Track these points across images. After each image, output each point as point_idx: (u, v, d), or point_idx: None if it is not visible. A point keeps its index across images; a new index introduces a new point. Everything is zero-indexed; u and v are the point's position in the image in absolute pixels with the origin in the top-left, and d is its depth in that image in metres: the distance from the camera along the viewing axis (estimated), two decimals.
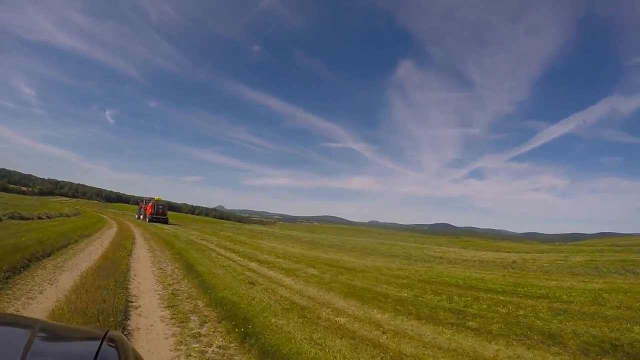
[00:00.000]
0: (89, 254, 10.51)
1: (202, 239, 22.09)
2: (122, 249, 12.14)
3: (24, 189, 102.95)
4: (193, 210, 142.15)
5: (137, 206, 44.59)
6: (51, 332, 1.08)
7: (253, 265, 13.10)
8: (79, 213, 33.80)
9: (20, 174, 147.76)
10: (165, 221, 37.31)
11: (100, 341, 0.93)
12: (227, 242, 21.65)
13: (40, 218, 20.29)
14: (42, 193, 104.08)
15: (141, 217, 39.46)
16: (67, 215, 26.49)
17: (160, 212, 37.23)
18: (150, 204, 37.50)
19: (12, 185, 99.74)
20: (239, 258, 14.74)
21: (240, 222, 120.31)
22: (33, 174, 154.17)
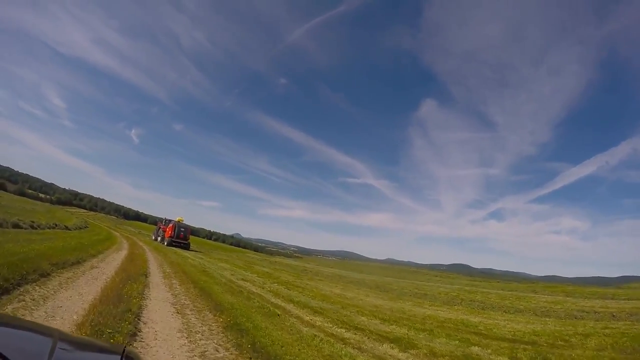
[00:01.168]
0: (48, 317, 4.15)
1: (241, 278, 15.63)
2: (124, 301, 5.80)
3: (42, 195, 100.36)
4: (210, 235, 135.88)
5: (155, 226, 38.65)
6: (71, 343, 1.07)
7: (368, 344, 6.55)
8: (87, 227, 28.13)
9: (42, 181, 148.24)
10: (186, 247, 31.10)
11: (120, 357, 0.93)
12: (278, 286, 15.12)
13: (17, 227, 14.30)
14: (59, 202, 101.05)
15: (159, 239, 33.45)
16: (67, 229, 20.70)
17: (182, 236, 31.15)
18: (170, 225, 31.59)
19: (30, 191, 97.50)
20: (329, 325, 8.18)
21: (257, 251, 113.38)
22: (55, 183, 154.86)
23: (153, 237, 36.22)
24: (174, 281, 10.70)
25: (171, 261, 16.93)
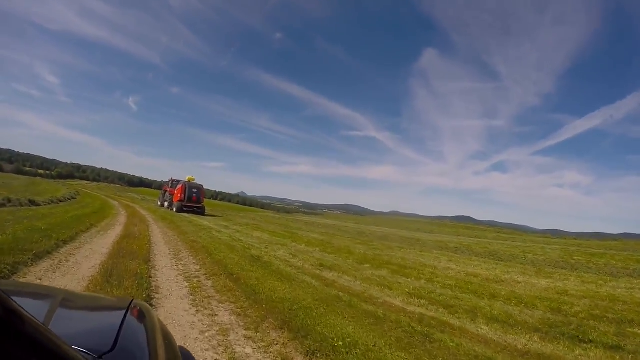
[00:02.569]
0: None
1: (318, 263, 9.76)
2: None
3: (40, 171, 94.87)
4: (216, 195, 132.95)
5: (161, 191, 32.52)
6: (75, 302, 1.07)
7: None
8: (74, 198, 22.01)
9: (43, 158, 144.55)
10: (201, 211, 25.31)
11: (125, 311, 0.91)
12: (390, 275, 9.17)
13: None
14: (60, 177, 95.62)
15: (165, 204, 27.58)
16: (44, 203, 14.32)
17: (195, 199, 25.17)
18: (179, 186, 25.41)
19: (28, 169, 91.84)
20: None
21: (264, 208, 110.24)
22: (57, 159, 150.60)
23: (159, 203, 30.40)
24: (220, 307, 4.67)
25: (191, 240, 10.94)
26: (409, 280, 8.52)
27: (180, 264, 7.31)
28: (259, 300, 5.05)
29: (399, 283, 7.99)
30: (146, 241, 9.40)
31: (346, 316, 4.81)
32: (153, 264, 6.86)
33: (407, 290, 7.24)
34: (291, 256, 10.43)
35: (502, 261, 15.14)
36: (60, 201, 17.10)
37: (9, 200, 13.20)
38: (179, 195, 24.87)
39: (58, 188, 30.26)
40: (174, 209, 24.67)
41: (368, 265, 10.20)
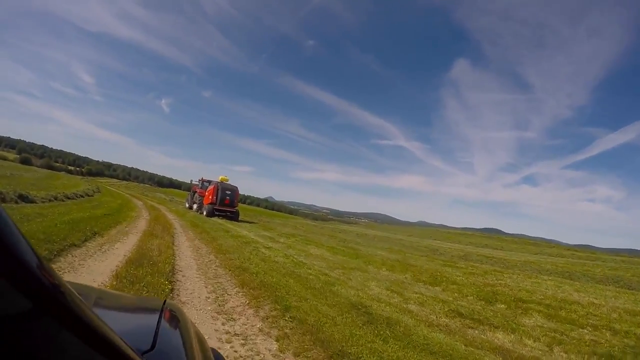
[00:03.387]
0: None
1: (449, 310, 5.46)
2: None
3: (71, 168, 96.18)
4: (244, 199, 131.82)
5: (189, 192, 29.00)
6: (109, 300, 1.05)
7: None
8: (90, 195, 18.74)
9: (75, 155, 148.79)
10: (235, 216, 21.66)
11: (159, 311, 0.92)
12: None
13: None
14: (90, 174, 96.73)
15: (194, 207, 24.16)
16: (42, 200, 10.84)
17: (228, 202, 21.57)
18: (211, 187, 21.91)
19: (58, 164, 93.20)
20: None
21: (292, 214, 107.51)
22: (89, 157, 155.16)
23: (187, 205, 27.11)
24: None
25: (237, 266, 7.02)
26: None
27: (235, 332, 3.35)
28: None
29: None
30: (168, 268, 5.55)
31: None
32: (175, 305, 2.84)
33: None
34: (392, 294, 6.43)
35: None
36: (69, 198, 13.77)
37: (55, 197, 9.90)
38: (211, 197, 21.36)
39: (77, 183, 27.63)
40: (204, 213, 21.17)
41: (511, 309, 6.12)
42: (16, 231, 0.38)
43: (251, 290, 5.04)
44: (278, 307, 4.42)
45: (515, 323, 6.31)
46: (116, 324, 0.77)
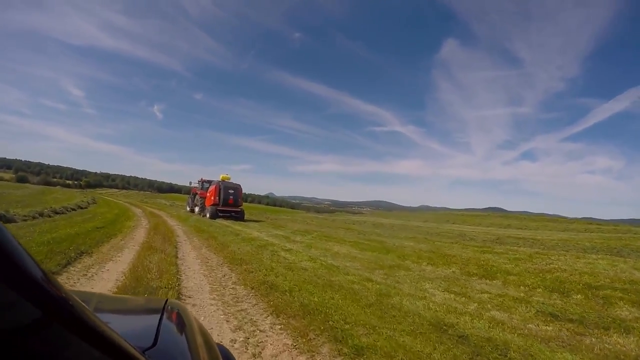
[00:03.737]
0: None
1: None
2: None
3: (68, 182, 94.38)
4: (246, 198, 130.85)
5: (189, 194, 27.34)
6: (110, 304, 1.05)
7: None
8: (84, 208, 17.15)
9: (73, 169, 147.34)
10: (240, 216, 20.20)
11: (161, 310, 0.91)
12: None
13: None
14: (89, 186, 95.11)
15: (196, 209, 22.70)
16: (22, 219, 9.29)
17: (232, 201, 20.09)
18: (212, 187, 20.41)
19: (55, 179, 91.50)
20: None
21: (294, 209, 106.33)
22: (87, 169, 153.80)
23: (188, 209, 25.66)
24: None
25: (261, 281, 5.60)
26: None
27: None
28: None
29: None
30: (173, 294, 4.14)
31: None
32: None
33: None
34: (457, 297, 5.04)
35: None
36: (57, 213, 12.26)
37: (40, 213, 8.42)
38: (213, 198, 19.88)
39: (71, 197, 26.15)
40: (207, 215, 19.72)
41: (589, 299, 4.92)
42: (20, 247, 0.40)
43: (292, 321, 3.59)
44: (343, 347, 2.97)
45: (611, 318, 4.97)
46: (118, 324, 0.74)
